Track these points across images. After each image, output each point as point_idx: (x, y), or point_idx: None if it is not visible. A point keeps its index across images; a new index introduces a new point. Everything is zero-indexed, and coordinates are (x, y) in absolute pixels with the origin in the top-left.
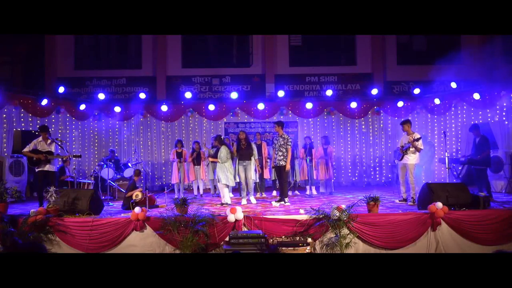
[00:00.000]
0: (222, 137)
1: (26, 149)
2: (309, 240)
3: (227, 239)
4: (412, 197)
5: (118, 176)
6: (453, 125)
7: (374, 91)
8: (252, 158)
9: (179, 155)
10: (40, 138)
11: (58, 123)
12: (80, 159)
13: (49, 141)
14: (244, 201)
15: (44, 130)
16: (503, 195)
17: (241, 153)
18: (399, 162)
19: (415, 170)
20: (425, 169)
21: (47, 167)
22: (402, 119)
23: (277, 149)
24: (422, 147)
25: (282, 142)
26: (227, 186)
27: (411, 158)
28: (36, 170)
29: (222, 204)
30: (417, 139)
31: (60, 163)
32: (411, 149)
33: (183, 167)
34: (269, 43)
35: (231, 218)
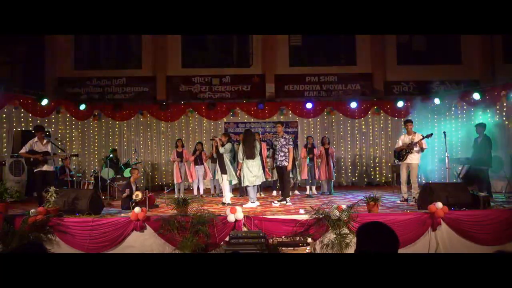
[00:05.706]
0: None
1: (22, 150)
2: (309, 240)
3: (227, 239)
4: (414, 197)
5: (118, 176)
6: (453, 125)
7: (375, 91)
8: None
9: (180, 154)
10: (36, 139)
11: (58, 123)
12: (79, 158)
13: (44, 141)
14: (258, 203)
15: (38, 130)
16: (503, 195)
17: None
18: (403, 162)
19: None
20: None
21: (45, 167)
22: (406, 119)
23: (278, 150)
24: (426, 147)
25: (284, 143)
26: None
27: (416, 158)
28: (34, 170)
29: (224, 203)
30: (429, 136)
31: (60, 162)
32: (415, 148)
33: (184, 166)
34: (269, 43)
35: (231, 218)
